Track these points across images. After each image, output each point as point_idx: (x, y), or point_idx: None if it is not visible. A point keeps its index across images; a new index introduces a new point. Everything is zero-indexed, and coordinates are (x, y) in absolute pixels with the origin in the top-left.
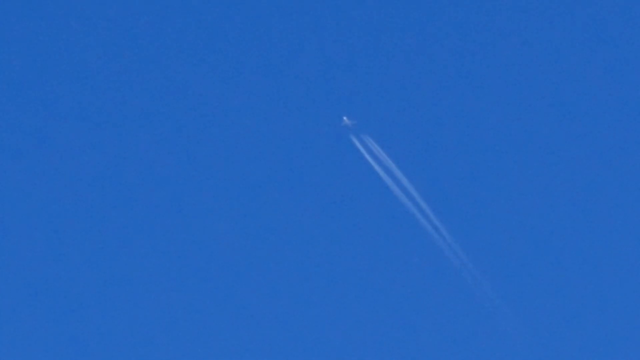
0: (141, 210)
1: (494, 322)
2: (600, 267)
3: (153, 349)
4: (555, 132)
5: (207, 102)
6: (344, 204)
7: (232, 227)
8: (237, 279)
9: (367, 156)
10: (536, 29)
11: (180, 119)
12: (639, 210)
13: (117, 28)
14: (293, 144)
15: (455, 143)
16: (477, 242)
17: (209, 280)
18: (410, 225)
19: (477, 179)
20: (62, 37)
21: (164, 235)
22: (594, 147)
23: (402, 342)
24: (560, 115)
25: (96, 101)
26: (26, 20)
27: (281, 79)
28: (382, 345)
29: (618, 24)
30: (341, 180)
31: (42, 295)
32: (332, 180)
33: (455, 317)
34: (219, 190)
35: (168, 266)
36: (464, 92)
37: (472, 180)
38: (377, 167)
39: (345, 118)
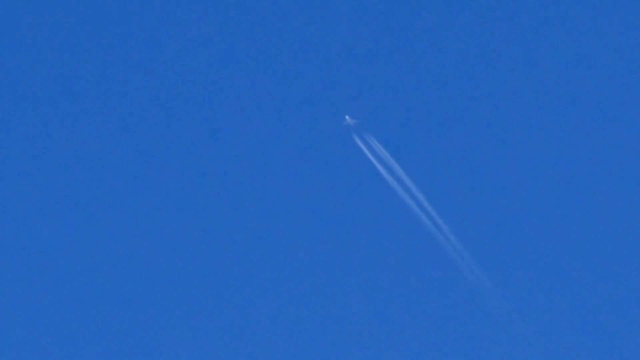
0: (142, 208)
1: (494, 318)
2: (602, 267)
3: (153, 348)
4: (556, 127)
5: (210, 101)
6: (347, 202)
7: (234, 223)
8: (237, 277)
9: (369, 154)
10: (536, 28)
11: (183, 117)
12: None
13: (117, 28)
14: (296, 142)
15: (456, 142)
16: (478, 239)
17: (210, 278)
18: (412, 223)
19: (478, 177)
20: (62, 37)
21: (165, 234)
22: (595, 147)
23: (403, 339)
24: (562, 112)
25: (96, 101)
26: (26, 20)
27: (284, 79)
28: (383, 342)
29: (618, 23)
30: (344, 178)
31: (41, 295)
32: (335, 178)
33: (455, 313)
34: (224, 187)
35: (169, 265)
36: (465, 92)
37: (473, 179)
38: (379, 165)
39: (347, 117)
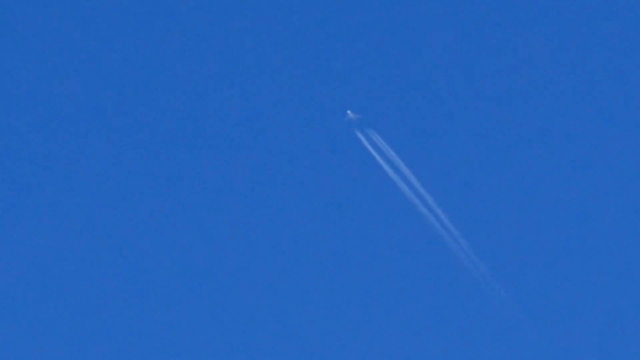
0: (144, 206)
1: (495, 312)
2: (603, 267)
3: (153, 348)
4: (558, 120)
5: (211, 96)
6: (349, 197)
7: (233, 219)
8: (237, 276)
9: (372, 149)
10: (535, 26)
11: (186, 111)
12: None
13: (118, 28)
14: (298, 137)
15: (458, 136)
16: (480, 233)
17: (213, 274)
18: (415, 218)
19: (480, 171)
20: (62, 37)
21: (167, 233)
22: (596, 146)
23: (405, 336)
24: (565, 108)
25: (97, 101)
26: (26, 20)
27: (286, 74)
28: (384, 339)
29: (618, 24)
30: (345, 173)
31: (41, 295)
32: (337, 173)
33: (457, 307)
34: (224, 183)
35: (171, 264)
36: (467, 86)
37: (475, 173)
38: (381, 160)
39: (349, 112)
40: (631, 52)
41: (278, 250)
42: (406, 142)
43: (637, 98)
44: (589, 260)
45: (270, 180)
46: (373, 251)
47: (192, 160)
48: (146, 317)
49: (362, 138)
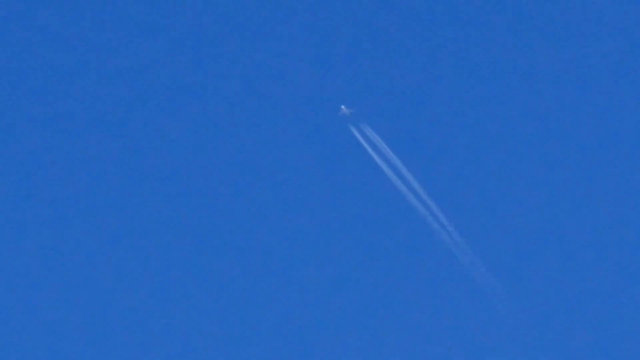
0: (142, 205)
1: (493, 308)
2: (603, 267)
3: (153, 348)
4: (557, 117)
5: (206, 93)
6: (343, 192)
7: (231, 216)
8: (236, 275)
9: (365, 144)
10: (533, 25)
11: (179, 109)
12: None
13: (117, 28)
14: (293, 132)
15: (452, 131)
16: (475, 228)
17: (211, 275)
18: (409, 213)
19: (475, 167)
20: (62, 37)
21: (164, 233)
22: (596, 145)
23: (404, 335)
24: (564, 108)
25: (96, 101)
26: (26, 20)
27: (280, 69)
28: (384, 338)
29: (618, 24)
30: (340, 168)
31: (41, 295)
32: (331, 168)
33: (449, 300)
34: (219, 180)
35: (169, 265)
36: (460, 81)
37: (470, 169)
38: (374, 155)
39: (343, 107)
40: (631, 52)
41: (271, 246)
42: (400, 137)
43: (637, 98)
44: (588, 260)
45: (265, 174)
46: (366, 245)
47: (184, 156)
48: (146, 317)
49: (356, 133)
